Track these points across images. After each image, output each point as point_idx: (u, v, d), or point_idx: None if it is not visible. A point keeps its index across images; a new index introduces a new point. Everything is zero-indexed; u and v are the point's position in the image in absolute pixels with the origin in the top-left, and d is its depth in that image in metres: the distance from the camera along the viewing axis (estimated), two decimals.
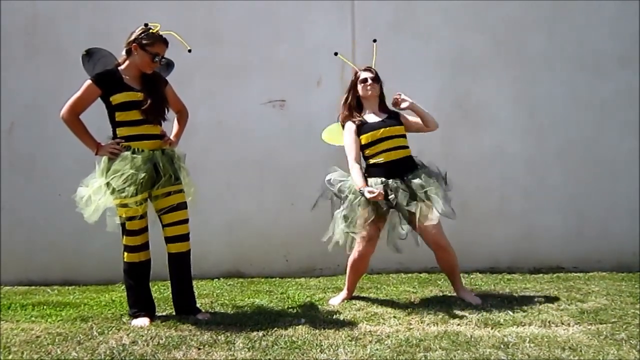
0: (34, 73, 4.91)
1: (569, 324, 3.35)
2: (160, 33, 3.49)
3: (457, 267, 3.99)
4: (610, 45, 5.18)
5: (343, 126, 4.00)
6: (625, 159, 5.18)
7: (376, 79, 3.96)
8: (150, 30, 3.47)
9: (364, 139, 3.88)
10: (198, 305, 3.73)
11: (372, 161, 3.88)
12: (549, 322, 3.39)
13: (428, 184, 3.76)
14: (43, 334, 3.26)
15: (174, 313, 3.65)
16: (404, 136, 3.92)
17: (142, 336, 3.18)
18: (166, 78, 3.70)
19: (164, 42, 3.50)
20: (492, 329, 3.28)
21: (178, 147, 3.69)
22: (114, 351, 2.96)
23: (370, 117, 3.95)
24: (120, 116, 3.45)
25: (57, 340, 3.14)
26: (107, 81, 3.44)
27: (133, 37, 3.47)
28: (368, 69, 4.00)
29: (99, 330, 3.31)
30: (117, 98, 3.42)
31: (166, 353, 2.94)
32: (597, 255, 5.14)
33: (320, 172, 5.03)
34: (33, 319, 3.66)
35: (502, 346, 2.99)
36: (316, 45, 5.07)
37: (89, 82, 3.44)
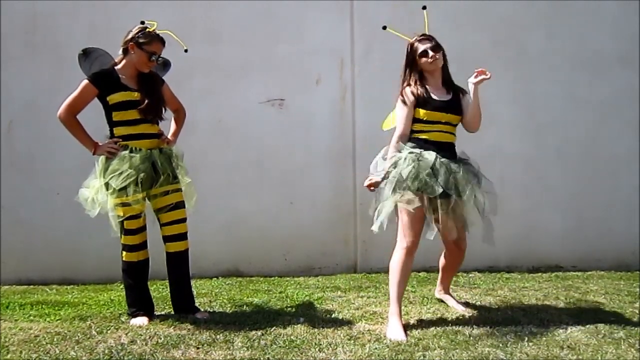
0: (32, 72, 4.90)
1: (567, 323, 3.35)
2: (157, 32, 3.50)
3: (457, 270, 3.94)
4: (610, 45, 5.18)
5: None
6: (624, 158, 5.19)
7: (438, 47, 3.48)
8: (147, 29, 3.47)
9: (423, 114, 3.43)
10: (197, 304, 3.73)
11: (422, 136, 3.44)
12: (547, 321, 3.39)
13: (469, 180, 3.41)
14: (42, 333, 3.26)
15: (172, 312, 3.65)
16: (456, 126, 3.55)
17: (141, 335, 3.17)
18: (163, 77, 3.70)
19: (161, 41, 3.50)
20: (490, 327, 3.28)
21: (176, 146, 3.69)
22: (113, 350, 2.96)
23: (435, 94, 3.48)
24: (117, 116, 3.45)
25: (55, 339, 3.14)
26: (103, 81, 3.44)
27: (130, 36, 3.47)
28: (425, 38, 3.50)
29: (98, 329, 3.31)
30: (113, 98, 3.42)
31: (165, 352, 2.94)
32: (596, 254, 5.14)
33: (320, 171, 5.07)
34: (32, 318, 3.66)
35: (500, 345, 2.99)
36: (315, 45, 5.07)
37: (85, 81, 3.44)
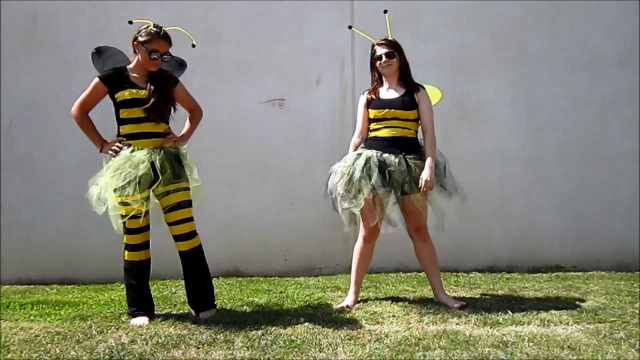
0: (32, 72, 4.90)
1: (567, 323, 3.35)
2: (164, 29, 3.50)
3: (437, 264, 3.90)
4: (610, 45, 5.18)
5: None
6: (624, 158, 5.19)
7: (391, 55, 3.74)
8: (148, 27, 3.47)
9: (372, 113, 3.78)
10: None
11: (373, 134, 3.78)
12: (547, 321, 3.39)
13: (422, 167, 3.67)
14: (42, 333, 3.26)
15: (173, 312, 3.65)
16: (411, 120, 3.75)
17: (141, 335, 3.17)
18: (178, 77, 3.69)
19: (164, 39, 3.49)
20: (491, 328, 3.28)
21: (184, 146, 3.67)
22: (113, 350, 2.96)
23: (385, 93, 3.81)
24: (123, 113, 3.48)
25: (56, 339, 3.14)
26: (113, 79, 3.47)
27: (134, 35, 3.49)
28: (383, 43, 3.78)
29: (98, 329, 3.31)
30: (121, 95, 3.44)
31: (165, 352, 2.94)
32: (596, 254, 5.14)
33: (320, 171, 5.04)
34: (32, 317, 3.66)
35: (501, 345, 2.99)
36: (316, 45, 5.07)
37: (96, 80, 3.48)
